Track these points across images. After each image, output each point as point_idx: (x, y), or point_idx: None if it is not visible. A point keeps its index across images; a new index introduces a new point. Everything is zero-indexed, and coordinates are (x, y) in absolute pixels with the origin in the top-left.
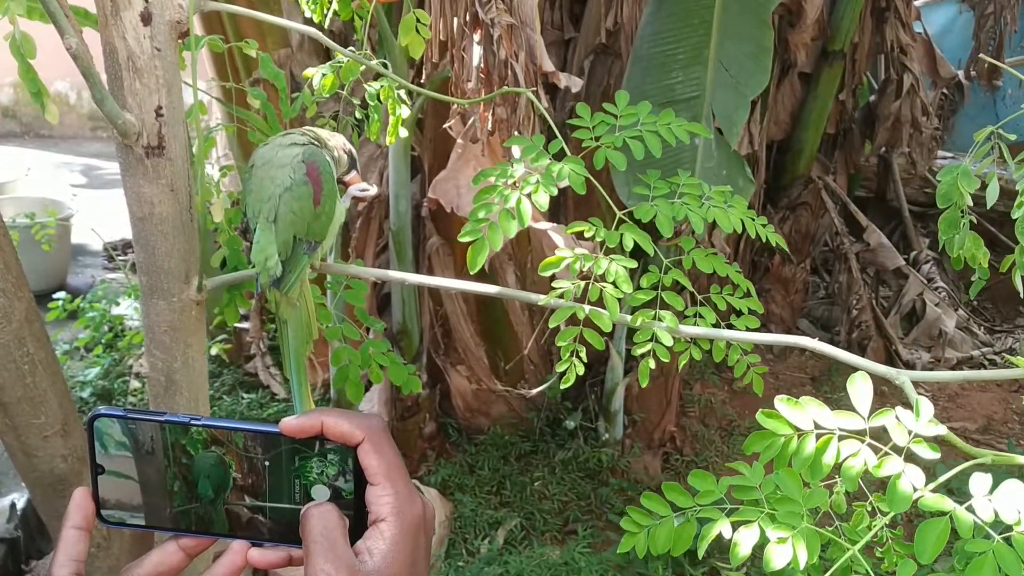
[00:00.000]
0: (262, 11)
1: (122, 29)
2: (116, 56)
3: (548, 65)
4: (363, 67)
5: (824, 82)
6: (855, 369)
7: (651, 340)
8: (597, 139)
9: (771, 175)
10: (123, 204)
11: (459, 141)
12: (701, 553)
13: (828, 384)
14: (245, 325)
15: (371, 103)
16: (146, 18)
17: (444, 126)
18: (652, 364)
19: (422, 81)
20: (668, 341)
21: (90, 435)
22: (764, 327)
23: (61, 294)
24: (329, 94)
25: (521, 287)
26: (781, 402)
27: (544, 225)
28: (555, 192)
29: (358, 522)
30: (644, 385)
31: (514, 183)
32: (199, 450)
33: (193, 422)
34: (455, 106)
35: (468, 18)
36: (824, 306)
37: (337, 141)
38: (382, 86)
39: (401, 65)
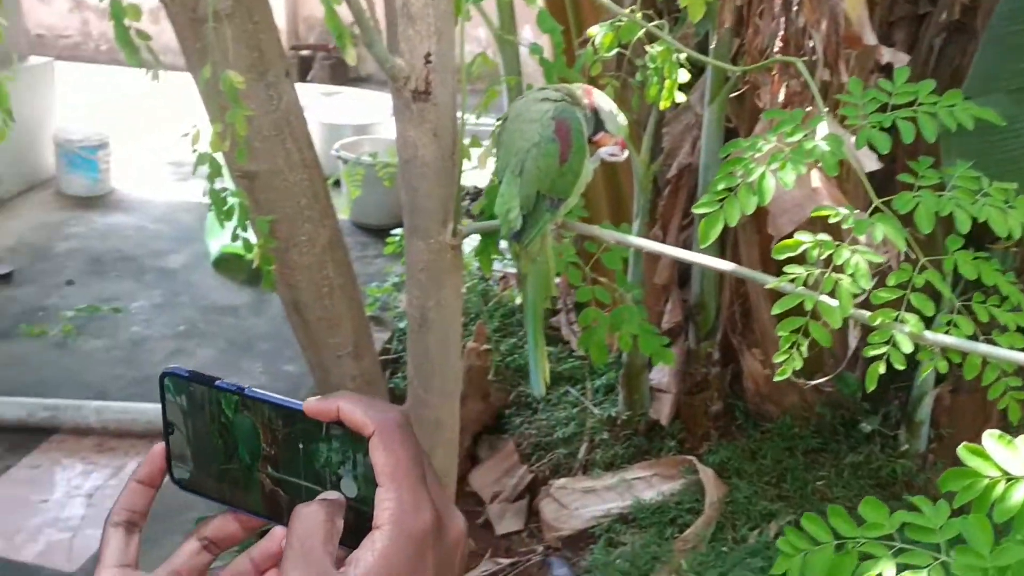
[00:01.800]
0: None
1: None
2: (393, 2)
3: (870, 38)
4: (643, 28)
5: None
6: None
7: (887, 343)
8: (866, 117)
9: None
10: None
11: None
12: None
13: None
14: (556, 280)
15: (651, 66)
16: None
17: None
18: (882, 369)
19: (742, 49)
20: (907, 347)
21: (161, 393)
22: None
23: (399, 230)
24: (608, 52)
25: None
26: (990, 438)
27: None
28: (803, 171)
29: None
30: (871, 389)
31: (762, 157)
32: (243, 417)
33: (241, 391)
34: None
35: None
36: None
37: (596, 99)
38: (660, 49)
39: (724, 41)
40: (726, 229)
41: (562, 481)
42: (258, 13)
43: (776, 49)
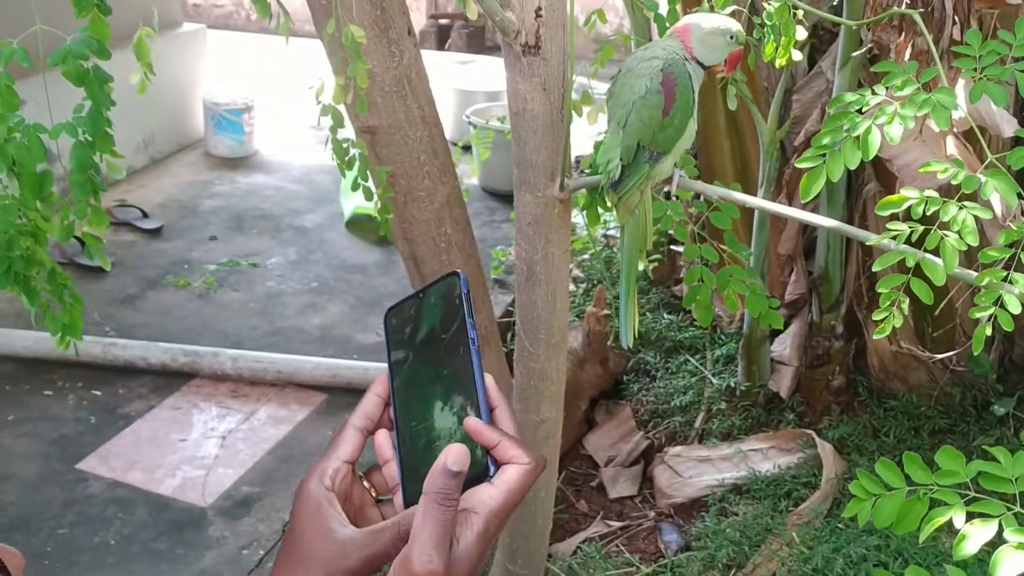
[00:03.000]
0: None
1: None
2: None
3: None
4: None
5: None
6: None
7: (995, 304)
8: (982, 71)
9: None
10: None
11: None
12: (923, 538)
13: None
14: (680, 248)
15: (768, 23)
16: None
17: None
18: (988, 331)
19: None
20: (1015, 308)
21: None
22: None
23: None
24: (723, 9)
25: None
26: None
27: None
28: (911, 125)
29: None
30: (976, 352)
31: (869, 111)
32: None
33: (473, 342)
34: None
35: None
36: None
37: (689, 32)
38: (777, 5)
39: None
40: (856, 198)
41: (677, 449)
42: None
43: (904, 5)
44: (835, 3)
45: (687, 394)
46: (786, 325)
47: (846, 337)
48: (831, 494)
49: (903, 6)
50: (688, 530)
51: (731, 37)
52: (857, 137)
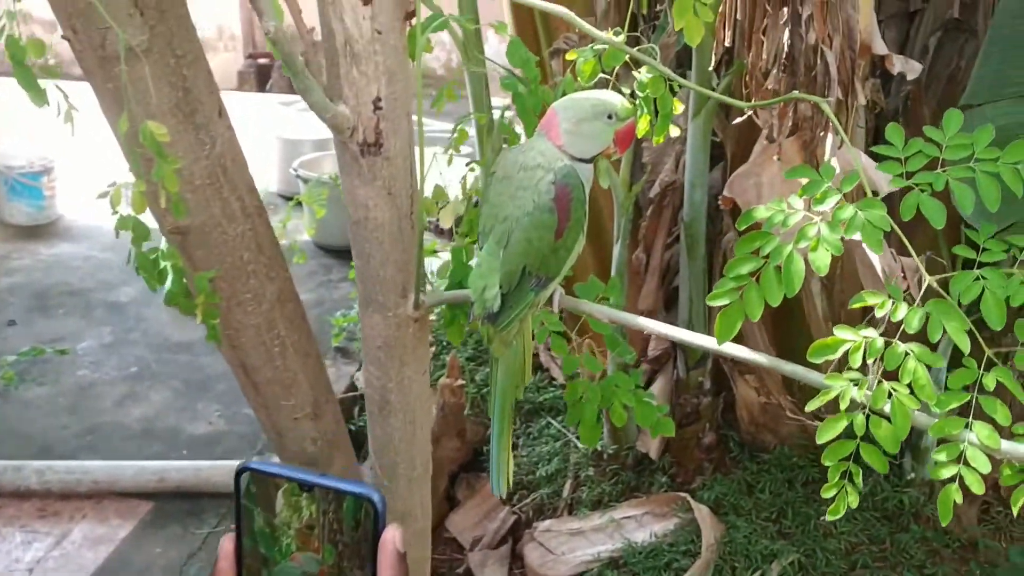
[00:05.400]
0: None
1: (340, 9)
2: (333, 40)
3: (880, 47)
4: (628, 54)
5: None
6: None
7: (958, 461)
8: (910, 175)
9: None
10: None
11: (764, 132)
12: None
13: None
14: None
15: (640, 94)
16: None
17: (747, 114)
18: (959, 499)
19: (726, 66)
20: (984, 466)
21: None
22: None
23: None
24: (588, 82)
25: (831, 313)
26: None
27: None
28: (840, 250)
29: None
30: (945, 524)
31: (788, 233)
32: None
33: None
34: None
35: None
36: None
37: (560, 131)
38: (650, 76)
39: (707, 49)
40: (716, 244)
41: (547, 523)
42: (181, 44)
43: (782, 70)
44: (680, 49)
45: (552, 461)
46: (650, 382)
47: (714, 392)
48: (712, 561)
49: (780, 67)
50: None
51: (610, 116)
52: (778, 267)
